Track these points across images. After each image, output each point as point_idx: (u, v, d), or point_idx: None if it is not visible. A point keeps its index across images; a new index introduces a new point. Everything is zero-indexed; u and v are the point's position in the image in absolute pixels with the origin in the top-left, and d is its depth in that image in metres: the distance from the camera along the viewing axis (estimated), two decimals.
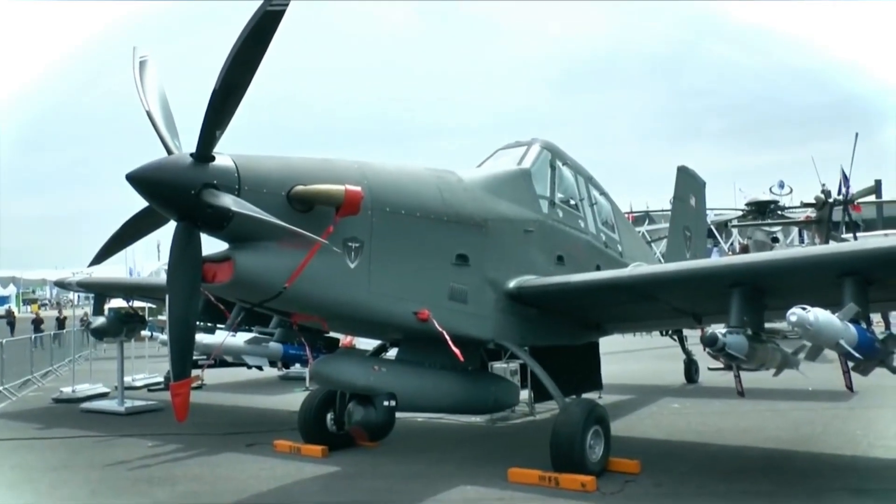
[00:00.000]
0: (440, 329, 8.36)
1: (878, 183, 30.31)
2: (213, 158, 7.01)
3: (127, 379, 19.01)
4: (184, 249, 7.08)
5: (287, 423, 12.49)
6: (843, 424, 11.48)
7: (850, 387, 7.49)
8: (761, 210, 32.23)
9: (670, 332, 17.06)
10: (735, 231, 40.71)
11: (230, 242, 7.35)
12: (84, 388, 17.02)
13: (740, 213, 32.82)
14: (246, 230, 7.11)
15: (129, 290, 15.80)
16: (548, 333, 10.11)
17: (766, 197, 33.57)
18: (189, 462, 10.17)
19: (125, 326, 14.87)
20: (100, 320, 14.51)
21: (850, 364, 7.82)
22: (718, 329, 7.72)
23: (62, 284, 16.53)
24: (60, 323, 37.48)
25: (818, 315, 6.45)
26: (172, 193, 6.87)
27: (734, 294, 8.17)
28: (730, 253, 27.72)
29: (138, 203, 7.38)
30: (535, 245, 10.12)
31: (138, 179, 6.84)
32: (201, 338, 11.17)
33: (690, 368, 16.83)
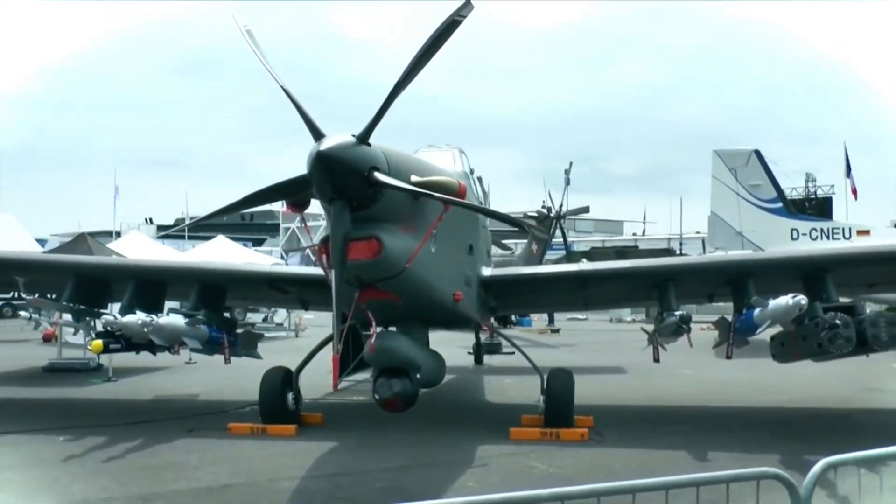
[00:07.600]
0: (465, 310, 9.60)
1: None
2: (369, 144, 7.42)
3: None
4: (337, 227, 7.31)
5: (175, 410, 12.32)
6: (680, 387, 14.71)
7: (730, 356, 10.49)
8: None
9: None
10: None
11: (363, 223, 7.54)
12: None
13: None
14: (384, 212, 7.61)
15: None
16: (486, 315, 11.79)
17: None
18: (161, 449, 9.63)
19: None
20: None
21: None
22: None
23: None
24: None
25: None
26: (348, 173, 7.16)
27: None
28: None
29: None
30: (483, 239, 11.69)
31: (324, 156, 7.03)
32: (132, 319, 10.30)
33: (479, 352, 19.51)
